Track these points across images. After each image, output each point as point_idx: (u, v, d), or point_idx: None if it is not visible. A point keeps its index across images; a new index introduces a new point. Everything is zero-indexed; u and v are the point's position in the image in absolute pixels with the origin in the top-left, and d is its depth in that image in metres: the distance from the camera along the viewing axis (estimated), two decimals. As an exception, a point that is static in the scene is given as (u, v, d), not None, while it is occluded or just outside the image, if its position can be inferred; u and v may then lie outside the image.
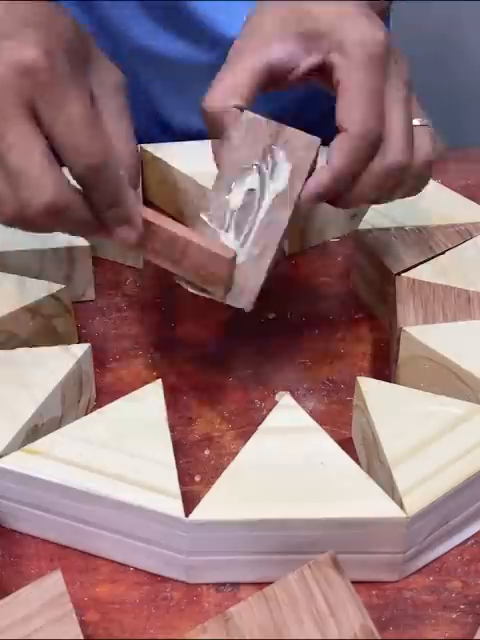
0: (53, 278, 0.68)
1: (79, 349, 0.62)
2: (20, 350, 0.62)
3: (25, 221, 0.50)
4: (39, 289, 0.65)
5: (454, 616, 0.52)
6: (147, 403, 0.59)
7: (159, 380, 0.60)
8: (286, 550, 0.52)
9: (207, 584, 0.54)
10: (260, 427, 0.56)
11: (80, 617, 0.48)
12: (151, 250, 0.55)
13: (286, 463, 0.54)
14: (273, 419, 0.57)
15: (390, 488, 0.53)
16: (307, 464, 0.54)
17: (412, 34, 1.36)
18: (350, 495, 0.52)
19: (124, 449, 0.55)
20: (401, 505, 0.51)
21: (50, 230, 0.52)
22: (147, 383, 0.63)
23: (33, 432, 0.57)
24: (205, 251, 0.55)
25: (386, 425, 0.56)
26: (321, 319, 0.71)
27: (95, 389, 0.64)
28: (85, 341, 0.68)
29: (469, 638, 0.49)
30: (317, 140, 0.57)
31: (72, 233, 0.54)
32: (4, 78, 0.47)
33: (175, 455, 0.57)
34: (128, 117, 0.55)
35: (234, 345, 0.68)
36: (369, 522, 0.51)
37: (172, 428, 0.62)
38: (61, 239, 0.70)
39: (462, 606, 0.52)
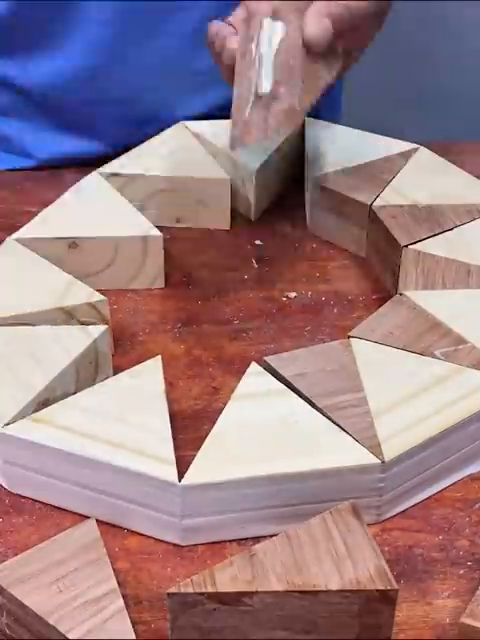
0: (125, 267, 0.71)
1: (96, 330, 0.63)
2: (42, 327, 0.63)
3: None
4: (81, 295, 0.66)
5: (461, 572, 0.55)
6: (146, 378, 0.60)
7: (159, 356, 0.62)
8: (274, 505, 0.56)
9: (230, 541, 0.57)
10: (233, 394, 0.59)
11: (111, 565, 0.51)
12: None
13: (263, 424, 0.57)
14: (244, 386, 0.60)
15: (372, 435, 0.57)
16: (283, 423, 0.57)
17: (412, 34, 1.38)
18: (327, 448, 0.56)
19: (124, 420, 0.57)
20: (380, 451, 0.55)
21: None
22: (174, 355, 0.67)
23: (44, 405, 0.59)
24: None
25: (372, 381, 0.60)
26: (340, 299, 0.73)
27: (112, 370, 0.65)
28: (117, 317, 0.71)
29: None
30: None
31: None
32: None
33: (199, 422, 0.61)
34: None
35: (257, 321, 0.71)
36: (348, 470, 0.55)
37: (198, 397, 0.65)
38: (137, 228, 0.72)
39: (469, 563, 0.55)
